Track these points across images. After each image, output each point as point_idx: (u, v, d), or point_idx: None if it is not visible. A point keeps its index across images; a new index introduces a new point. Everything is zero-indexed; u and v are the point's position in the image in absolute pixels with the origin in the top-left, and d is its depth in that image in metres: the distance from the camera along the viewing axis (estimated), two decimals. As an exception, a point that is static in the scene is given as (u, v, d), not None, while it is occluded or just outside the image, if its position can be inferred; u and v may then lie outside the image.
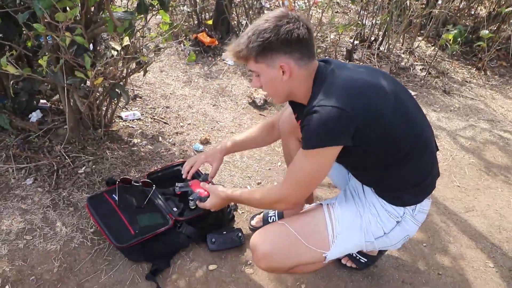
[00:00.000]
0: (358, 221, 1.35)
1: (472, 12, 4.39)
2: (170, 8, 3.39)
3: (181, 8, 3.61)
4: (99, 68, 1.81)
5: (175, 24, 2.23)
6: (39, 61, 1.68)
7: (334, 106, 1.12)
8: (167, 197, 1.80)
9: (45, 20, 1.57)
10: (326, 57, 1.38)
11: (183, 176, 1.68)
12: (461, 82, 3.45)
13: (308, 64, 1.23)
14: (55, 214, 1.78)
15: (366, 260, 1.70)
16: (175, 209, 1.75)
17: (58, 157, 2.00)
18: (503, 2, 3.83)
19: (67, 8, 1.68)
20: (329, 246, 1.33)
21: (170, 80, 2.94)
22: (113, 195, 1.76)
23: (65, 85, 1.83)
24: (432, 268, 1.78)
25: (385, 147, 1.22)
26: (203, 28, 3.44)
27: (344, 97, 1.15)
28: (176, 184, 1.71)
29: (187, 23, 3.56)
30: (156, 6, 2.00)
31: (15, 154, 1.99)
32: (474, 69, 3.66)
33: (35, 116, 2.18)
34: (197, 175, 1.73)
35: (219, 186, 1.56)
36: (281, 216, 1.84)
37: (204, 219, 1.75)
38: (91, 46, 2.01)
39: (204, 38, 3.27)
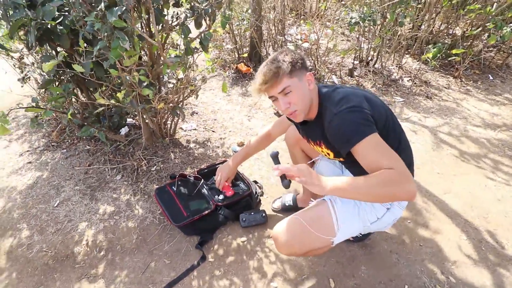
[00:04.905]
0: (356, 210, 1.18)
1: (450, 32, 3.93)
2: (218, 47, 3.32)
3: (225, 46, 3.53)
4: (159, 96, 1.78)
5: (216, 60, 2.15)
6: (117, 94, 1.66)
7: (352, 106, 0.99)
8: (211, 187, 1.74)
9: (117, 66, 1.54)
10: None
11: (217, 186, 1.65)
12: (440, 88, 3.09)
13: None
14: (134, 201, 1.78)
15: (361, 234, 1.54)
16: (216, 196, 1.68)
17: (138, 160, 2.00)
18: (474, 24, 3.38)
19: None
20: (335, 233, 1.17)
21: (218, 99, 2.88)
22: (173, 187, 1.72)
23: (139, 109, 1.82)
24: (415, 240, 1.59)
25: None
26: (241, 60, 3.35)
27: (355, 100, 1.01)
28: (209, 181, 1.74)
29: (230, 57, 3.48)
30: (199, 49, 1.92)
31: (110, 159, 2.01)
32: (452, 77, 3.26)
33: (123, 130, 2.20)
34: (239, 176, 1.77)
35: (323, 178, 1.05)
36: (295, 202, 1.72)
37: (238, 204, 1.68)
38: (162, 79, 1.97)
39: (242, 67, 3.17)
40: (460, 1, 3.14)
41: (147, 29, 1.79)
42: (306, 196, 1.68)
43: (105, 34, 1.41)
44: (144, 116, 1.96)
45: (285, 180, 1.08)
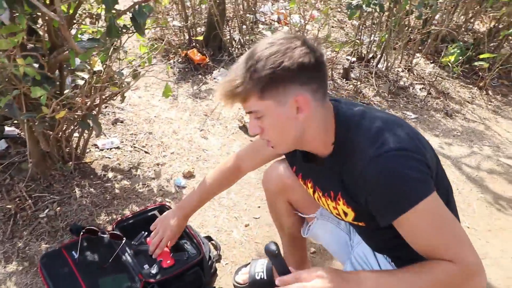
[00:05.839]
0: None
1: (470, 27, 4.09)
2: (160, 22, 3.08)
3: (171, 23, 3.29)
4: (59, 100, 1.51)
5: (155, 45, 1.93)
6: (-16, 93, 1.38)
7: (403, 148, 0.86)
8: (138, 251, 1.47)
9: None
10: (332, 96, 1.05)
11: (151, 251, 1.42)
12: (462, 103, 3.15)
13: (325, 99, 0.93)
14: (5, 272, 1.47)
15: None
16: (146, 266, 1.42)
17: (18, 198, 1.70)
18: (503, 19, 3.54)
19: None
20: None
21: (156, 101, 2.63)
22: (73, 252, 1.43)
23: (23, 119, 1.53)
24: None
25: None
26: (194, 44, 3.14)
27: (403, 137, 0.88)
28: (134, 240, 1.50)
29: (178, 39, 3.24)
30: (131, 29, 1.68)
31: (-33, 196, 1.67)
32: (476, 88, 3.35)
33: (-2, 147, 1.87)
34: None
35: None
36: (269, 273, 1.53)
37: (180, 278, 1.43)
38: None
39: (194, 55, 2.97)
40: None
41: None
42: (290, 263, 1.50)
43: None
44: (33, 129, 1.66)
45: None
